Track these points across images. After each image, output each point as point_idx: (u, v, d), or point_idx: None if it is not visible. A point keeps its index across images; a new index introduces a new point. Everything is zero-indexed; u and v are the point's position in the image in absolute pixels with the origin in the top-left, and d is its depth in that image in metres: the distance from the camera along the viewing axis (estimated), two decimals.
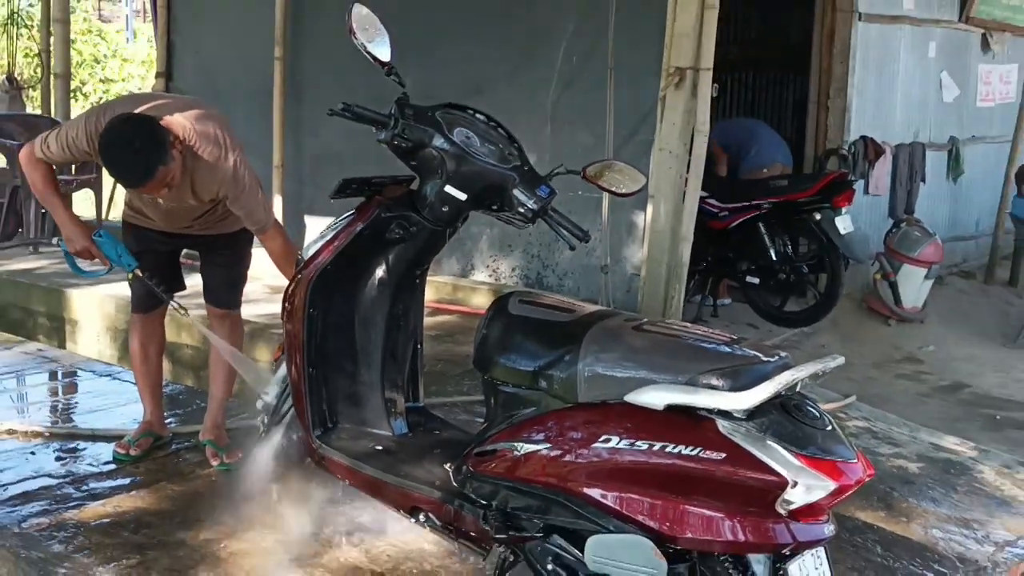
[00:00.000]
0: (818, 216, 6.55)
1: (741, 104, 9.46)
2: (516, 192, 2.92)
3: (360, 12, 2.91)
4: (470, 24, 6.33)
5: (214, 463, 3.82)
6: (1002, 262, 8.98)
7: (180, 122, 3.35)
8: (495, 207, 3.01)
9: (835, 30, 7.52)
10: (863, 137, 7.54)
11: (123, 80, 20.90)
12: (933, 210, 8.23)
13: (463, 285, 6.45)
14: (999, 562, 3.56)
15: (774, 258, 6.69)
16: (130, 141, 3.23)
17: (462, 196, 2.96)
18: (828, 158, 7.49)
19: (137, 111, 3.37)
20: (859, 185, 7.12)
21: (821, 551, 2.49)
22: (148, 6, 8.26)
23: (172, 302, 3.72)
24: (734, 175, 7.24)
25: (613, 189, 3.10)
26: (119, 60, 21.50)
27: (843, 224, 6.53)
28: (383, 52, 2.94)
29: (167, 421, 4.12)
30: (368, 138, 3.01)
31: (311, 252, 3.14)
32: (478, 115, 3.06)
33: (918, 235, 7.30)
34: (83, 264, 3.68)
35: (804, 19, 7.82)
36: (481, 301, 6.01)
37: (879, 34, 7.72)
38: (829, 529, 2.43)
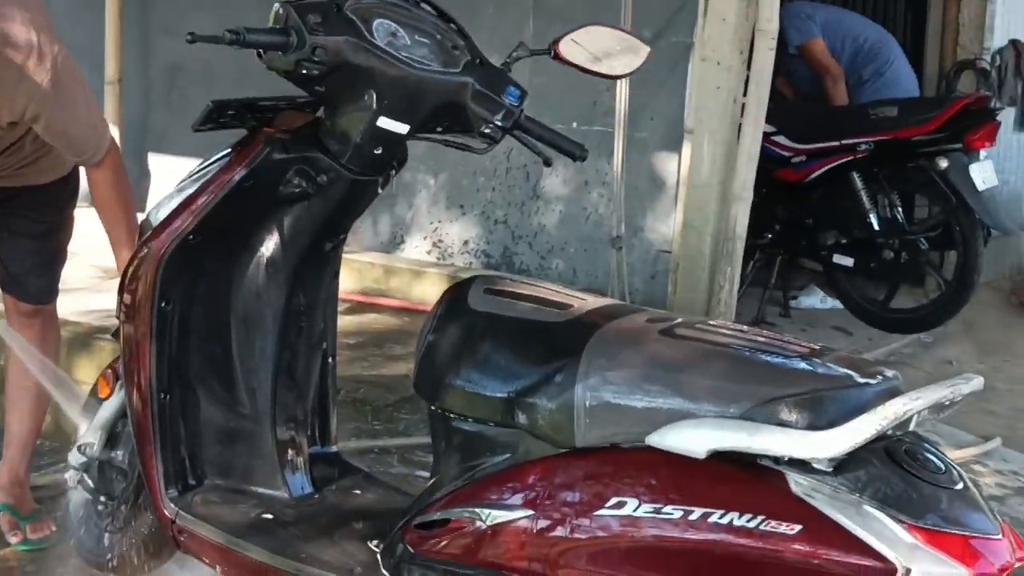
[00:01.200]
0: (943, 163, 6.55)
1: None
2: (474, 105, 2.94)
3: None
4: None
5: (13, 540, 3.81)
6: None
7: None
8: (441, 128, 3.04)
9: None
10: (1013, 42, 7.57)
11: None
12: None
13: (396, 267, 6.43)
14: None
15: (876, 227, 6.72)
16: None
17: (402, 128, 2.96)
18: (960, 74, 7.53)
19: None
20: (1007, 116, 7.14)
21: None
22: None
23: None
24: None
25: (599, 69, 3.08)
26: None
27: (982, 175, 6.54)
28: None
29: None
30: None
31: (163, 214, 3.12)
32: None
33: None
34: None
35: None
36: (425, 291, 6.00)
37: None
38: None
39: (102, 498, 3.44)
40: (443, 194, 6.42)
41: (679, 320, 2.69)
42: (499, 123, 2.92)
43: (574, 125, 5.43)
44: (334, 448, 3.34)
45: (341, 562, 2.90)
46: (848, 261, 6.79)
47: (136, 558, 3.40)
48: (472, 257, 6.39)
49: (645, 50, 3.12)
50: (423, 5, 3.05)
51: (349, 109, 2.97)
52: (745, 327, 3.07)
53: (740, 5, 5.21)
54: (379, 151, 2.99)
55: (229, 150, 3.09)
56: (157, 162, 6.88)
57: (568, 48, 3.06)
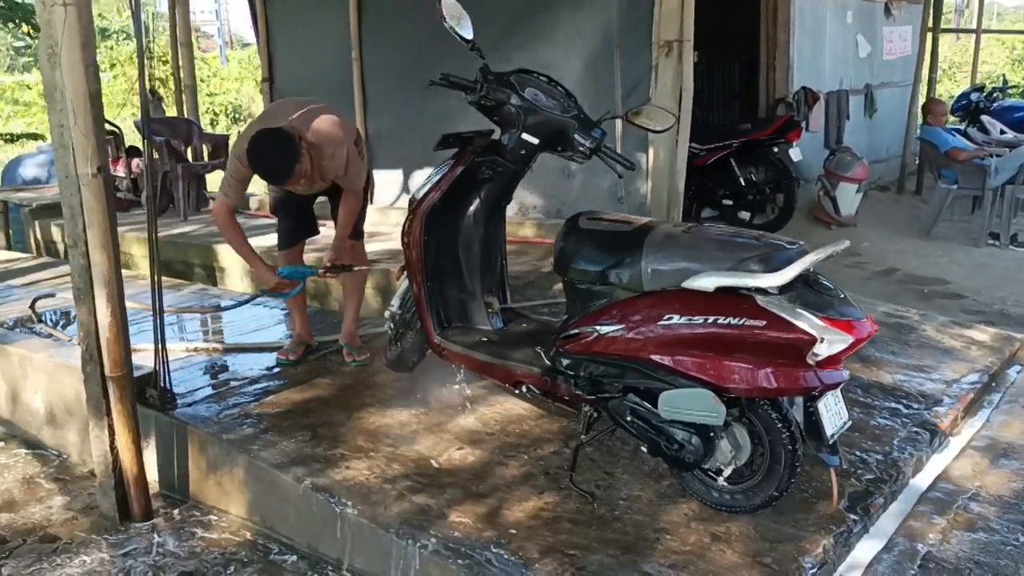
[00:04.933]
0: (775, 150, 6.39)
1: (714, 69, 9.16)
2: (576, 135, 2.80)
3: (448, 1, 2.78)
4: (526, 25, 5.99)
5: (349, 361, 3.77)
6: (909, 177, 8.83)
7: (305, 130, 3.25)
8: (559, 148, 2.89)
9: (778, 8, 7.34)
10: (803, 87, 7.35)
11: (223, 93, 21.58)
12: (856, 140, 8.03)
13: (513, 221, 6.19)
14: (949, 395, 3.50)
15: (743, 184, 6.53)
16: (271, 151, 3.14)
17: (535, 140, 2.85)
18: (778, 105, 7.31)
19: (271, 127, 3.24)
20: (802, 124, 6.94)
21: (839, 392, 2.43)
22: (251, 29, 7.98)
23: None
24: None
25: (649, 127, 2.96)
26: (218, 79, 22.22)
27: (795, 154, 6.38)
28: (467, 32, 2.82)
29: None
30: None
31: (422, 193, 3.03)
32: (541, 77, 2.92)
33: (849, 159, 7.11)
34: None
35: (754, 1, 7.57)
36: (527, 232, 5.86)
37: (811, 8, 7.52)
38: (846, 374, 2.37)
39: (396, 342, 3.35)
40: (522, 184, 6.20)
41: (691, 224, 2.60)
42: (588, 145, 2.79)
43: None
44: (509, 304, 3.26)
45: (524, 358, 2.84)
46: (730, 202, 6.62)
47: (412, 362, 3.34)
48: (540, 213, 6.10)
49: (672, 119, 2.96)
50: (558, 87, 2.90)
51: (508, 129, 2.87)
52: (721, 225, 2.94)
53: (674, 78, 5.03)
54: (523, 152, 2.89)
55: (451, 159, 3.00)
56: (375, 174, 6.68)
57: (632, 115, 2.93)
